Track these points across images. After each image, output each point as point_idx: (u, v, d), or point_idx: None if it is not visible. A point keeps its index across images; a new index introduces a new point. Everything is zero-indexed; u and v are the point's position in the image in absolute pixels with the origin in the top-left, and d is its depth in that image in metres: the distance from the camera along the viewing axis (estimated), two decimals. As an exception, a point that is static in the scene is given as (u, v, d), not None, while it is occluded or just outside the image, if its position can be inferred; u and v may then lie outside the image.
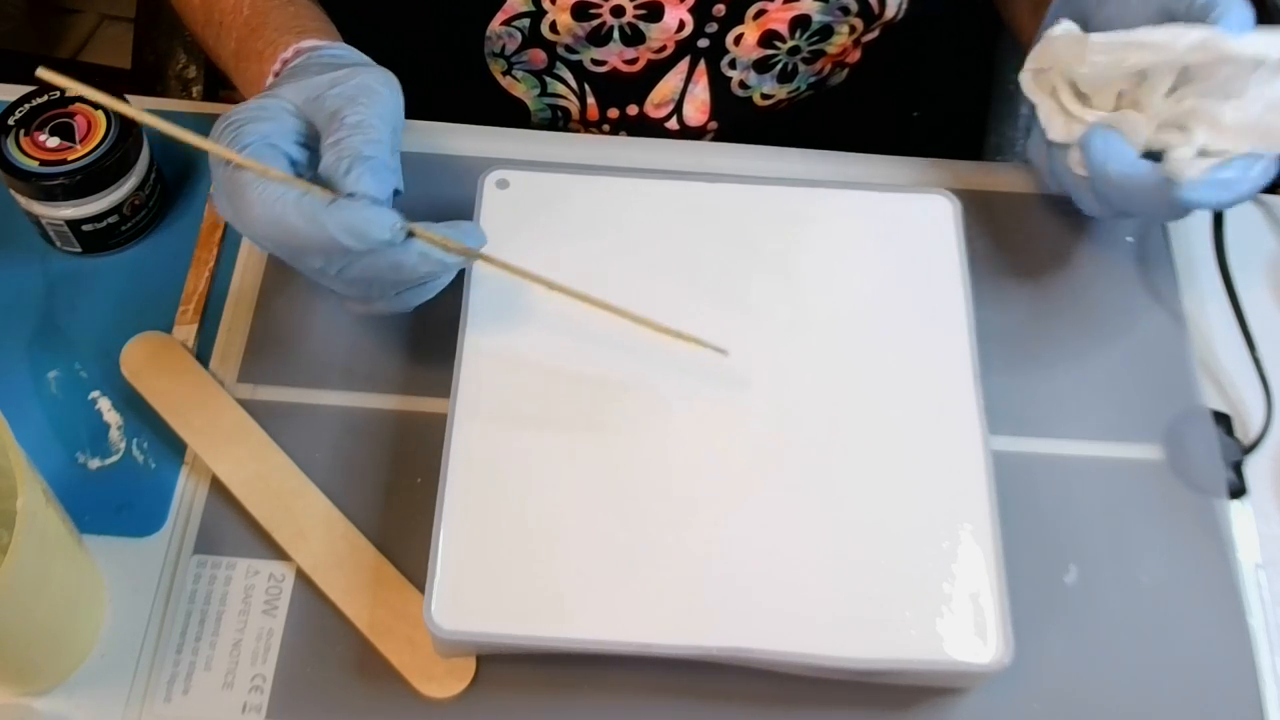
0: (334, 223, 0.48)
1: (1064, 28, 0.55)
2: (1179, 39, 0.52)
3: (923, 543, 0.51)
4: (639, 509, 0.51)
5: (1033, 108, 0.59)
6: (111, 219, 0.60)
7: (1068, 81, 0.57)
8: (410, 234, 0.50)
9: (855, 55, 0.71)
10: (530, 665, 0.52)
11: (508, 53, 0.67)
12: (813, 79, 0.71)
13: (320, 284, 0.52)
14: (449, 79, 0.68)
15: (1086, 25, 0.55)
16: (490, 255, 0.52)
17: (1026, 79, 0.58)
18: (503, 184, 0.59)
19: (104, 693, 0.51)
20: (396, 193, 0.51)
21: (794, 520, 0.51)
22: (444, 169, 0.66)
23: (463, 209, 0.60)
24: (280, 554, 0.54)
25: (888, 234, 0.59)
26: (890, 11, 0.67)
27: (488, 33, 0.66)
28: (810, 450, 0.53)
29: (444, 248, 0.50)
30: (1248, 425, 0.60)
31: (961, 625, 0.49)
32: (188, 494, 0.55)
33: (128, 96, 0.60)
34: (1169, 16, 0.53)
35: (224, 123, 0.51)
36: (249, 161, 0.48)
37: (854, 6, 0.66)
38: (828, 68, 0.71)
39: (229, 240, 0.63)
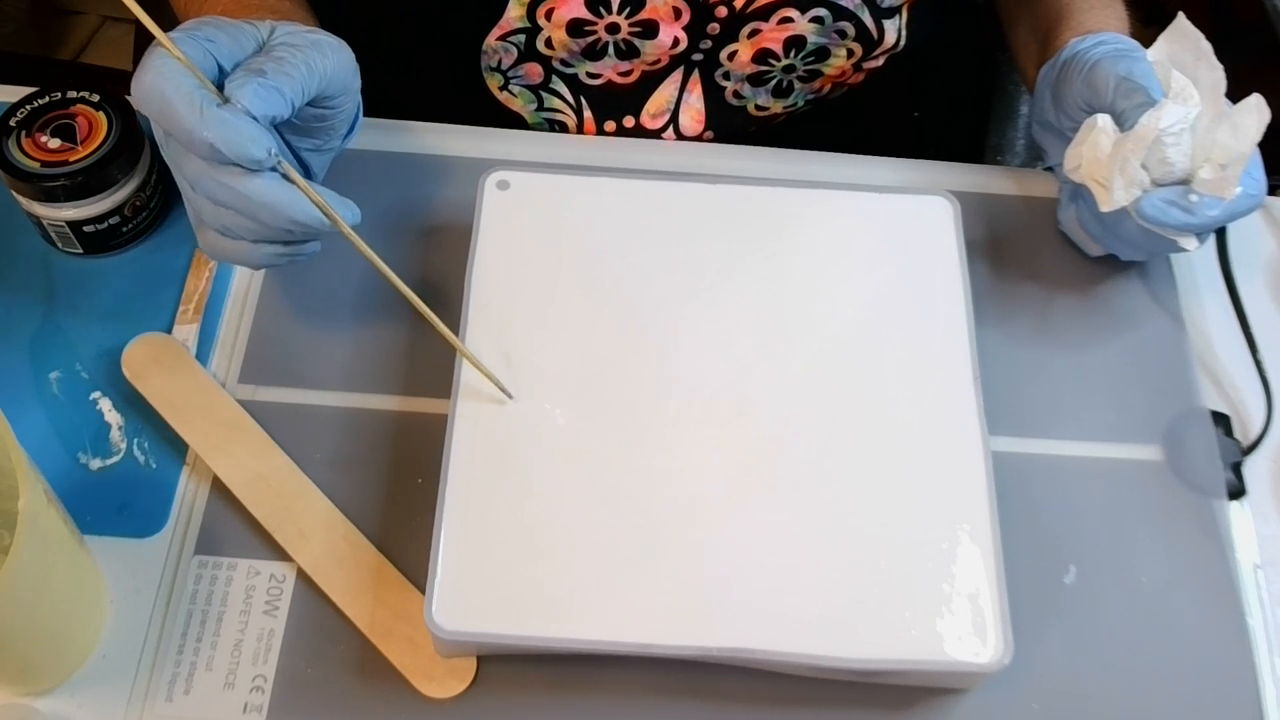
0: (214, 120, 0.47)
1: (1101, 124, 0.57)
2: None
3: (922, 543, 0.51)
4: (639, 509, 0.51)
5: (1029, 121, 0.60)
6: (113, 220, 0.60)
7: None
8: (286, 177, 0.49)
9: (857, 79, 0.71)
10: (530, 665, 0.52)
11: (504, 67, 0.67)
12: (810, 96, 0.71)
13: (190, 206, 0.52)
14: (448, 94, 0.69)
15: (1060, 100, 0.61)
16: (353, 233, 0.51)
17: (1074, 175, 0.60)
18: (503, 185, 0.60)
19: (105, 693, 0.51)
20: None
21: (793, 520, 0.51)
22: (444, 170, 0.66)
23: (463, 210, 0.60)
24: (281, 554, 0.54)
25: (887, 235, 0.59)
26: (890, 38, 0.67)
27: (484, 47, 0.66)
28: (810, 450, 0.53)
29: (311, 199, 0.50)
30: (1247, 426, 0.60)
31: (961, 625, 0.49)
32: (189, 494, 0.56)
33: (128, 98, 0.60)
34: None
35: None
36: (164, 38, 0.47)
37: (851, 31, 0.66)
38: (826, 87, 0.71)
39: (230, 241, 0.63)
